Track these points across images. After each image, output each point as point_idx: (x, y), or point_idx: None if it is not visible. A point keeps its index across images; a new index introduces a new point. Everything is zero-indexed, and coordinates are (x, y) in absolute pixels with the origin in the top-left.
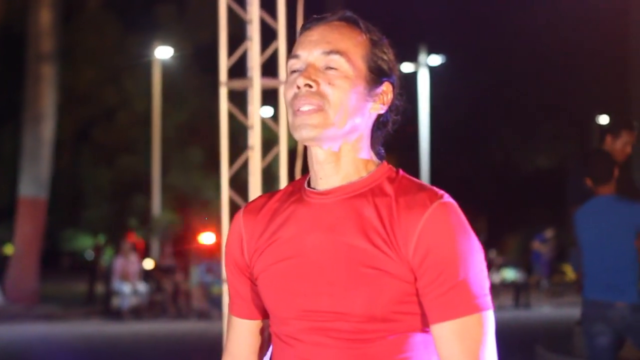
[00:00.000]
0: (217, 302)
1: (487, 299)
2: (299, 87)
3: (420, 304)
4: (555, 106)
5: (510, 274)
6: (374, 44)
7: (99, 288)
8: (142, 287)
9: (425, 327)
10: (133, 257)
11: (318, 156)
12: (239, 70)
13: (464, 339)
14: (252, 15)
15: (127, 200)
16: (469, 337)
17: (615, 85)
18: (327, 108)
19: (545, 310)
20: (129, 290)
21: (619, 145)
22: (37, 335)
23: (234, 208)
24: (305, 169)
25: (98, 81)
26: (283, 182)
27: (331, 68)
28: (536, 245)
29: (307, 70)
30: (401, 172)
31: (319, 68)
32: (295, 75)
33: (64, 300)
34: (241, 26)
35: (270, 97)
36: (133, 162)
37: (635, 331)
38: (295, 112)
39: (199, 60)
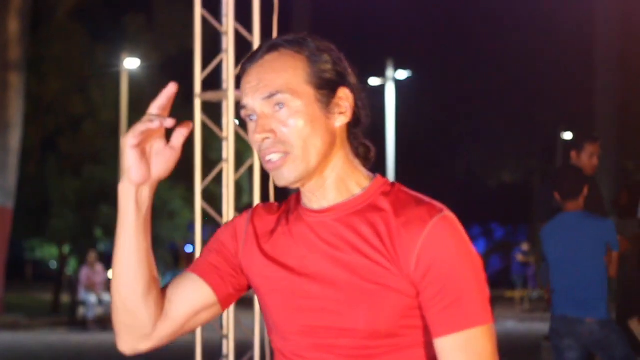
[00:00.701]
0: None
1: (489, 312)
2: (259, 142)
3: (423, 318)
4: (520, 122)
5: None
6: (311, 60)
7: (64, 298)
8: (107, 297)
9: (429, 342)
10: (99, 268)
11: (304, 187)
12: (212, 82)
13: (467, 352)
14: (227, 27)
15: (94, 210)
16: (473, 350)
17: (579, 101)
18: (292, 150)
19: (508, 325)
20: (95, 301)
21: (585, 158)
22: (2, 344)
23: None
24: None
25: (65, 90)
26: (257, 194)
27: (280, 108)
28: (520, 257)
29: (259, 123)
30: (397, 185)
31: (268, 114)
32: (252, 125)
33: (29, 310)
34: (214, 38)
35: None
36: (100, 172)
37: (604, 347)
38: (267, 164)
39: (166, 71)
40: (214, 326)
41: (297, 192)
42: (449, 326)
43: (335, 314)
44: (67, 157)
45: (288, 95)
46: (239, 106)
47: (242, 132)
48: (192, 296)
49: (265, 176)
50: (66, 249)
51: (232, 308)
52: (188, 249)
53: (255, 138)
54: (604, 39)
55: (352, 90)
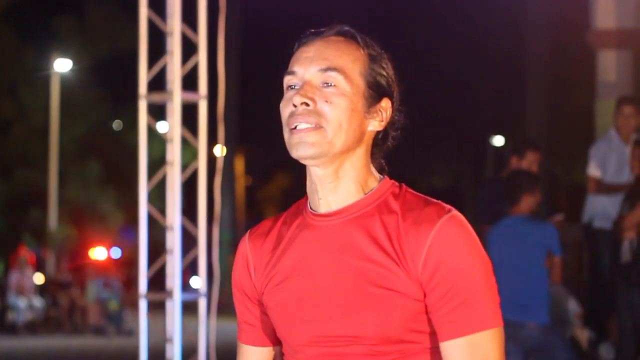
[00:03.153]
0: (113, 318)
1: (498, 316)
2: (295, 105)
3: (431, 323)
4: (449, 126)
5: None
6: (372, 59)
7: None
8: (38, 301)
9: (437, 348)
10: (28, 271)
11: (317, 174)
12: (156, 83)
13: (473, 355)
14: (172, 28)
15: (23, 214)
16: (479, 354)
17: (509, 106)
18: (325, 126)
19: None
20: (25, 305)
21: (525, 166)
22: None
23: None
24: (225, 184)
25: None
26: (202, 198)
27: (328, 85)
28: None
29: (304, 88)
30: (404, 186)
31: (315, 85)
32: (291, 92)
33: None
34: (155, 38)
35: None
36: (29, 175)
37: (545, 351)
38: (292, 131)
39: (98, 74)
40: (158, 331)
41: (298, 201)
42: (457, 329)
43: (344, 321)
44: None
45: (342, 76)
46: (184, 108)
47: (188, 135)
48: None
49: (209, 181)
50: None
51: (177, 312)
52: (115, 253)
53: (294, 100)
54: (534, 43)
55: (393, 108)
